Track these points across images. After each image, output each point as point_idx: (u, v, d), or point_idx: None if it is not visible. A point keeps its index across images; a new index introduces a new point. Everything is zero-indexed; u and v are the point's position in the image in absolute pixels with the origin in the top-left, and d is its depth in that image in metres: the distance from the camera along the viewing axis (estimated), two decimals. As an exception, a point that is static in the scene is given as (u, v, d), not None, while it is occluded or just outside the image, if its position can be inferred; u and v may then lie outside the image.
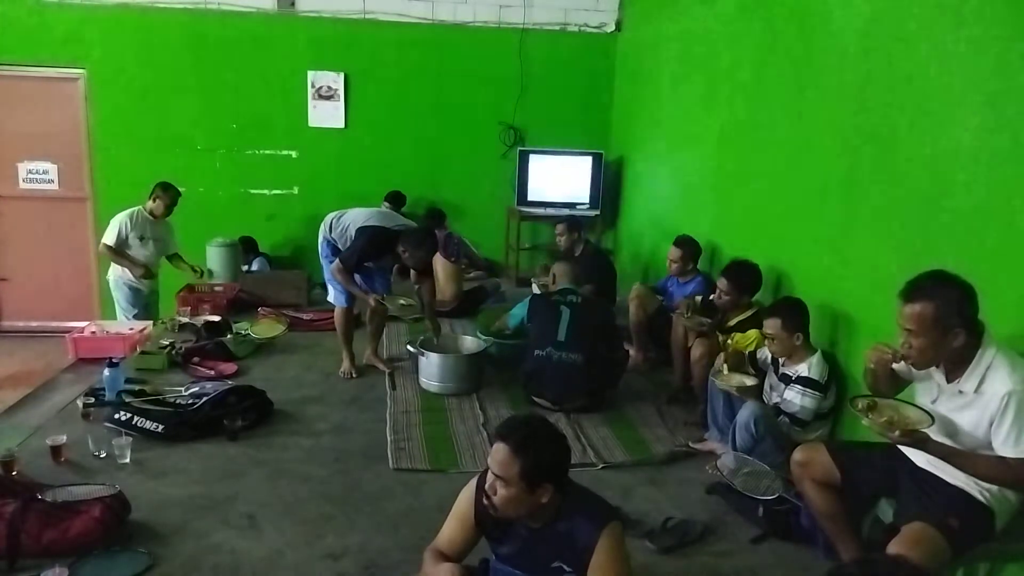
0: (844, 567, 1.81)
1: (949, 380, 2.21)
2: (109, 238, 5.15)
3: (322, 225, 4.20)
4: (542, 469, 1.84)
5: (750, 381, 3.27)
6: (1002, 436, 2.05)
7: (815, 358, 3.12)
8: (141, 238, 5.22)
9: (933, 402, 2.26)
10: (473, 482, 2.05)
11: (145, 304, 5.40)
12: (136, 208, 5.29)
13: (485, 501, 1.91)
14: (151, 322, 4.98)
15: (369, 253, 3.99)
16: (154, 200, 5.28)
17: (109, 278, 5.36)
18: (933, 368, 2.26)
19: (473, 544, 2.07)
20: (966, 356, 2.14)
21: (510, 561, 2.02)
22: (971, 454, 2.13)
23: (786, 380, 3.18)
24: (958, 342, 2.10)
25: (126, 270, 5.24)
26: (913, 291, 2.14)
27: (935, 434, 2.18)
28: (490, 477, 1.88)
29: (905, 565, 1.85)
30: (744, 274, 3.70)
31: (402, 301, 4.28)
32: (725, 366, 3.34)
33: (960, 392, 2.17)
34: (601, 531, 1.87)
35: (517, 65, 6.76)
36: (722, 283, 3.69)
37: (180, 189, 5.40)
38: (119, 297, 5.32)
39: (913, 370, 2.33)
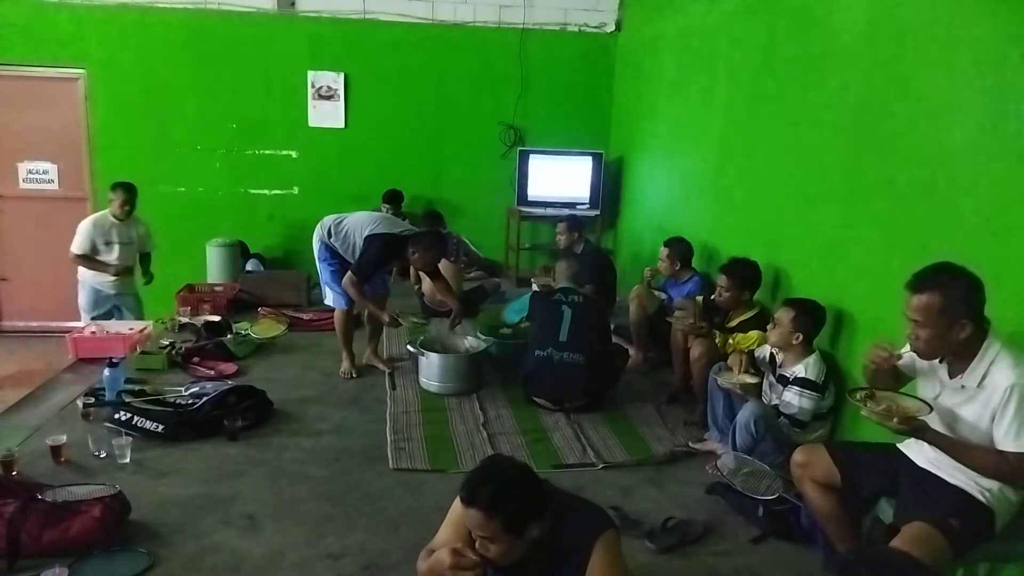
0: (844, 558, 1.81)
1: (951, 376, 2.22)
2: (76, 247, 5.01)
3: (318, 227, 4.20)
4: (521, 515, 1.80)
5: (752, 379, 3.27)
6: (1003, 430, 2.05)
7: (812, 358, 3.12)
8: (107, 243, 5.06)
9: (935, 398, 2.26)
10: None
11: (109, 310, 5.23)
12: (102, 212, 5.16)
13: (484, 561, 1.84)
14: (151, 322, 4.97)
15: (382, 261, 4.07)
16: (110, 201, 5.11)
17: (78, 278, 5.23)
18: (936, 363, 2.27)
19: (469, 549, 2.06)
20: (969, 351, 2.14)
21: (506, 573, 2.00)
22: (971, 446, 2.13)
23: (783, 382, 3.18)
24: (965, 334, 2.10)
25: (96, 273, 5.09)
26: (921, 282, 2.13)
27: (935, 428, 2.18)
28: (475, 537, 1.83)
29: (901, 555, 1.85)
30: (743, 269, 3.69)
31: (414, 319, 4.33)
32: (740, 371, 3.30)
33: (962, 387, 2.17)
34: (595, 541, 1.86)
35: (517, 65, 6.76)
36: (722, 280, 3.69)
37: (134, 183, 5.16)
38: (80, 296, 5.19)
39: (916, 363, 2.33)
